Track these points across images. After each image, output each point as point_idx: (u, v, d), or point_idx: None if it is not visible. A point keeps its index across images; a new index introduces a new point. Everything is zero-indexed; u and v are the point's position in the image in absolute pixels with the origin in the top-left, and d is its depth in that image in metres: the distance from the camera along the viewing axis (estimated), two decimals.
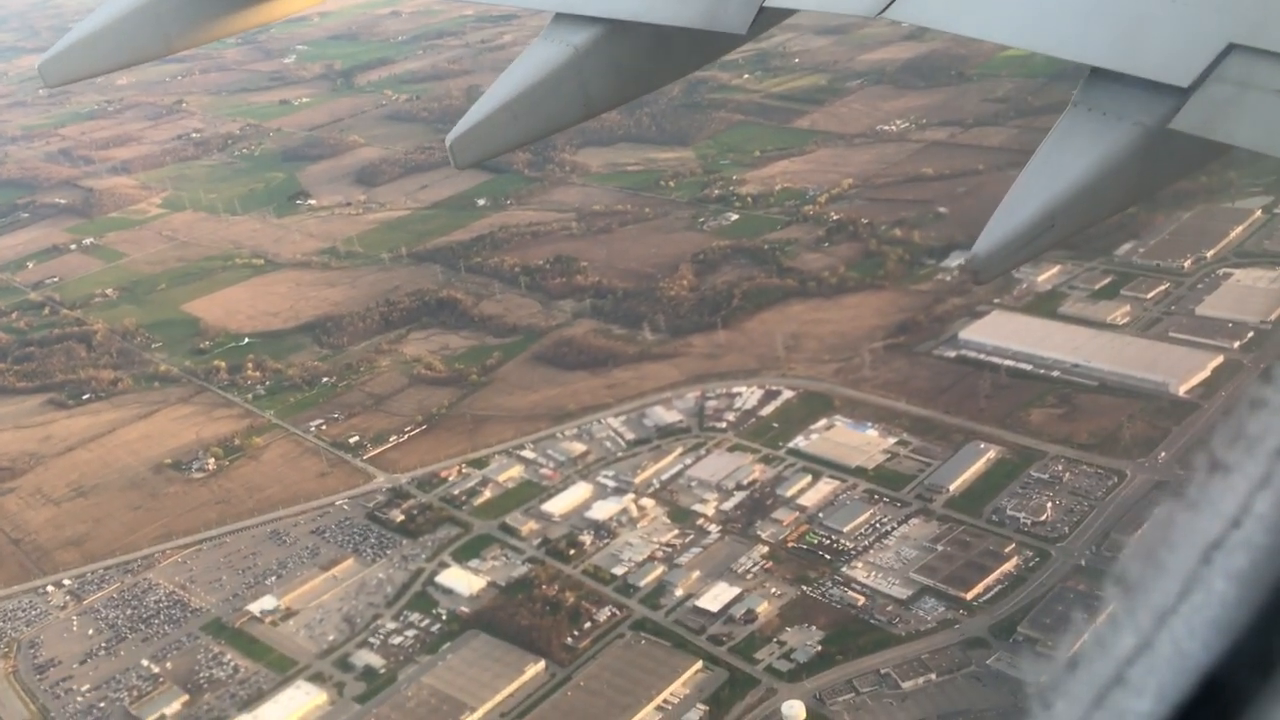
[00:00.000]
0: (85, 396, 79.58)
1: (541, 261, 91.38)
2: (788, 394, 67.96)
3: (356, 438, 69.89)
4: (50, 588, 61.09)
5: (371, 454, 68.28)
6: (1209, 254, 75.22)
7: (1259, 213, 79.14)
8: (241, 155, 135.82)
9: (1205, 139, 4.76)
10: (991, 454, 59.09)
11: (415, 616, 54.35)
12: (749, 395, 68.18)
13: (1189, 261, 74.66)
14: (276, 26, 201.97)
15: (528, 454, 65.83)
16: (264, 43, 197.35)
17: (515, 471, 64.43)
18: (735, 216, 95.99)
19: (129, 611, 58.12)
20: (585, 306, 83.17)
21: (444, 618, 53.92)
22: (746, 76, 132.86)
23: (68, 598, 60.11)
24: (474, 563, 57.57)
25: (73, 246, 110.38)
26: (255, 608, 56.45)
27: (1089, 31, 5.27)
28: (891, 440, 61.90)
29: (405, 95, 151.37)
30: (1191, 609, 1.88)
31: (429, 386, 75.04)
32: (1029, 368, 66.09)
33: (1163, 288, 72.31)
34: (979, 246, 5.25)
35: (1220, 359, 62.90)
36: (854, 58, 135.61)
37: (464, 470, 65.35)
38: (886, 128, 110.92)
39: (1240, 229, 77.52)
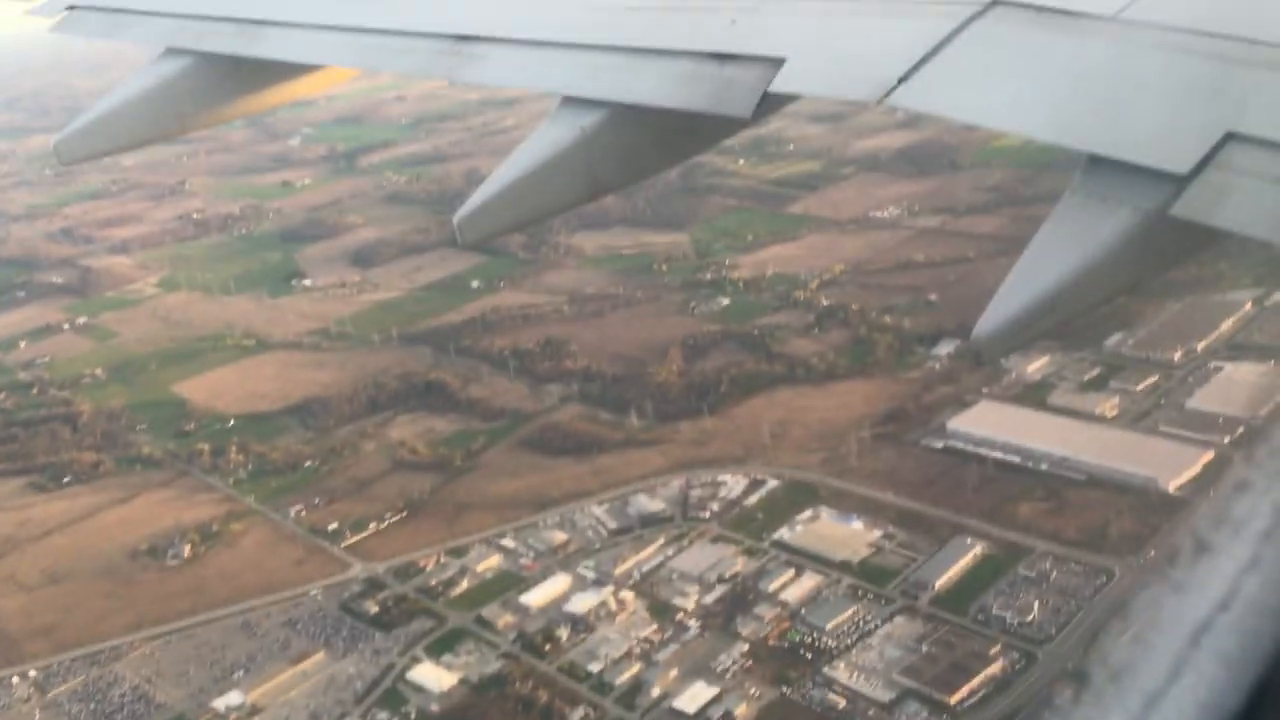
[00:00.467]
0: (66, 480, 78.74)
1: (531, 344, 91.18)
2: (773, 483, 67.02)
3: (336, 524, 68.84)
4: (16, 678, 59.54)
5: (350, 541, 67.17)
6: (1199, 346, 74.80)
7: (1249, 305, 78.93)
8: (240, 236, 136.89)
9: (1205, 225, 4.84)
10: (978, 549, 57.92)
11: (383, 715, 52.76)
12: (734, 484, 67.24)
13: (1179, 354, 74.20)
14: (284, 110, 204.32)
15: (508, 543, 64.70)
16: (270, 125, 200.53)
17: (494, 561, 63.26)
18: (727, 301, 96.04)
19: (92, 706, 56.55)
20: (573, 391, 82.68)
21: (412, 716, 52.34)
22: (742, 162, 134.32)
23: (32, 690, 58.57)
24: (447, 658, 56.11)
25: (66, 326, 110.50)
26: (221, 704, 54.90)
27: (1087, 118, 5.38)
28: (877, 533, 60.78)
29: (405, 177, 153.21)
30: (1181, 692, 1.87)
31: (412, 471, 74.17)
32: (1017, 460, 65.20)
33: (1152, 380, 71.75)
34: (980, 328, 5.18)
35: (1211, 454, 62.01)
36: (848, 144, 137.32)
37: (442, 559, 64.17)
38: (879, 214, 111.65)
39: (1231, 321, 77.22)
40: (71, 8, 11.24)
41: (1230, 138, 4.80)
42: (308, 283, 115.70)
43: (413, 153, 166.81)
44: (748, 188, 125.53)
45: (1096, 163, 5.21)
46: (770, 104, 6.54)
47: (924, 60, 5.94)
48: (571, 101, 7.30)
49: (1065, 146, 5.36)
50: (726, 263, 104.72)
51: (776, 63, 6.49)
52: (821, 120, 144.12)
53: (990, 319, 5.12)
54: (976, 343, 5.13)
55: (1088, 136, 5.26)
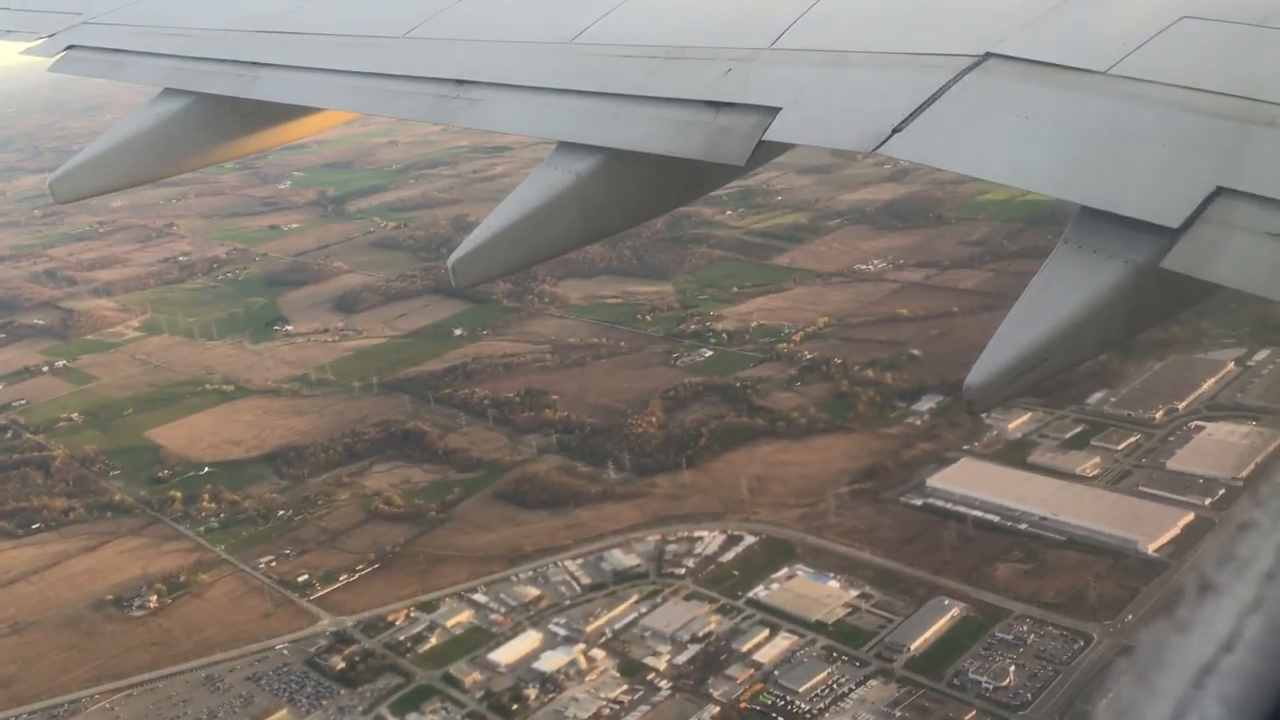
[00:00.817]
0: (35, 526, 77.49)
1: (512, 394, 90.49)
2: (750, 539, 66.14)
3: (306, 575, 67.68)
4: None
5: (320, 593, 65.97)
6: (1181, 406, 74.43)
7: (1231, 365, 78.75)
8: (225, 280, 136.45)
9: (1196, 279, 4.88)
10: (955, 611, 57.01)
11: None
12: (710, 540, 66.34)
13: (1160, 413, 73.81)
14: (275, 153, 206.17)
15: (479, 598, 63.57)
16: (261, 169, 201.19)
17: (464, 616, 62.09)
18: (709, 353, 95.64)
19: None
20: (551, 442, 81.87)
21: None
22: (729, 213, 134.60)
23: None
24: (412, 717, 54.80)
25: (45, 369, 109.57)
26: None
27: (1079, 171, 5.41)
28: (853, 593, 59.84)
29: (394, 222, 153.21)
30: None
31: (386, 523, 73.13)
32: (996, 519, 64.48)
33: (1133, 439, 71.27)
34: (973, 377, 5.19)
35: (1191, 516, 61.41)
36: (835, 197, 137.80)
37: (412, 614, 63.00)
38: (864, 267, 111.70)
39: (1212, 381, 76.97)
40: (70, 47, 11.24)
41: (1221, 192, 4.87)
42: (290, 328, 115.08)
43: (402, 198, 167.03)
44: (734, 239, 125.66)
45: (1088, 214, 5.27)
46: (765, 152, 6.61)
47: (918, 111, 5.98)
48: (567, 147, 7.37)
49: (1057, 198, 5.40)
50: (710, 313, 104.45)
51: (771, 111, 6.55)
52: (810, 172, 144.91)
53: (982, 369, 5.14)
54: (968, 393, 5.16)
55: (1080, 189, 5.30)
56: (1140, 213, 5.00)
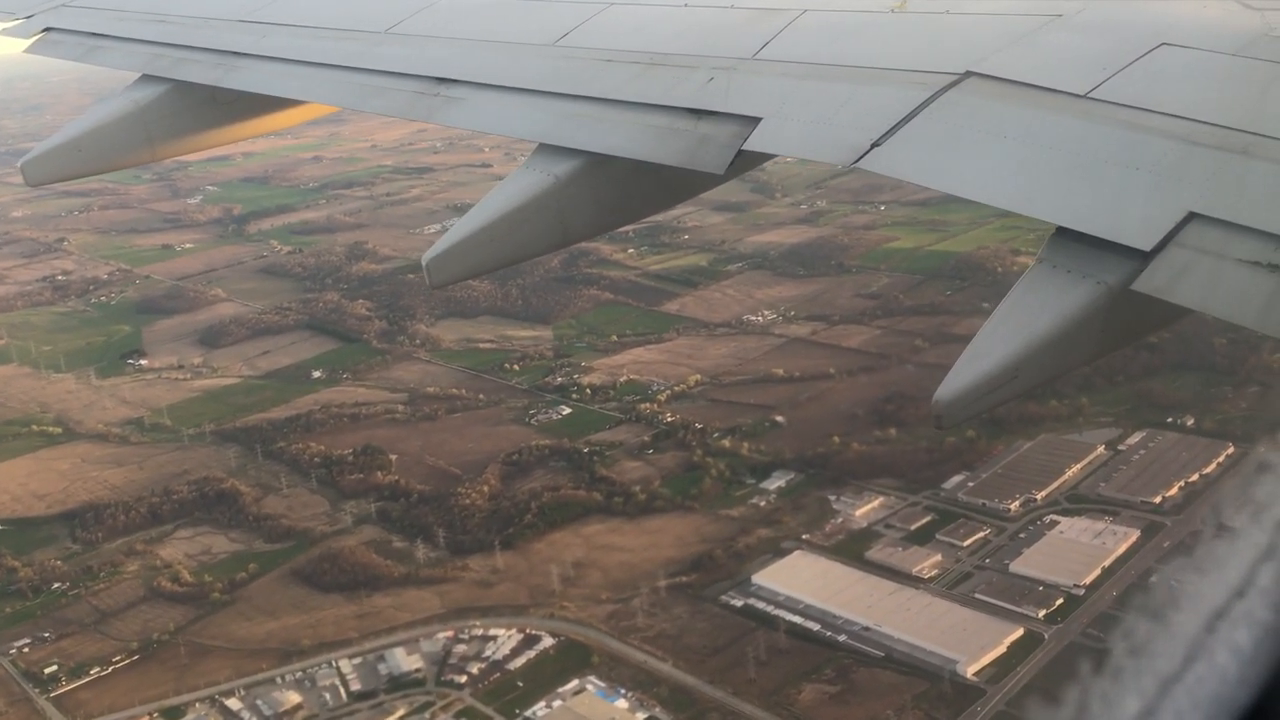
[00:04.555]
0: None
1: (348, 451, 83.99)
2: (548, 641, 59.87)
3: (56, 666, 60.83)
4: None
5: (63, 689, 59.12)
6: (1039, 496, 68.90)
7: (1102, 449, 73.48)
8: (97, 304, 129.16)
9: (1166, 301, 4.87)
10: None
11: None
12: (505, 640, 60.03)
13: (1016, 503, 68.24)
14: (194, 165, 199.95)
15: (233, 703, 56.96)
16: (177, 180, 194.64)
17: None
18: (568, 410, 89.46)
19: None
20: (371, 512, 75.38)
21: None
22: (631, 251, 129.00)
23: None
24: None
25: None
26: None
27: (1054, 191, 5.43)
28: (641, 716, 53.65)
29: (290, 247, 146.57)
30: (1195, 680, 1.87)
31: (165, 603, 66.37)
32: (816, 628, 58.54)
33: (982, 534, 65.58)
34: (942, 392, 5.08)
35: (1020, 632, 55.82)
36: (743, 238, 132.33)
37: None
38: (753, 318, 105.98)
39: (1078, 467, 71.60)
40: (48, 29, 11.26)
41: (1193, 217, 4.96)
42: (144, 362, 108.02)
43: (306, 220, 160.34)
44: (627, 280, 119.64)
45: (1062, 235, 5.33)
46: (744, 162, 6.63)
47: (897, 127, 6.05)
48: (546, 149, 7.38)
49: (1032, 216, 5.48)
50: (582, 364, 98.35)
51: (752, 121, 6.59)
52: (725, 210, 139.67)
53: (951, 385, 5.10)
54: (936, 408, 5.10)
55: (1054, 209, 5.38)
56: (1113, 234, 5.07)
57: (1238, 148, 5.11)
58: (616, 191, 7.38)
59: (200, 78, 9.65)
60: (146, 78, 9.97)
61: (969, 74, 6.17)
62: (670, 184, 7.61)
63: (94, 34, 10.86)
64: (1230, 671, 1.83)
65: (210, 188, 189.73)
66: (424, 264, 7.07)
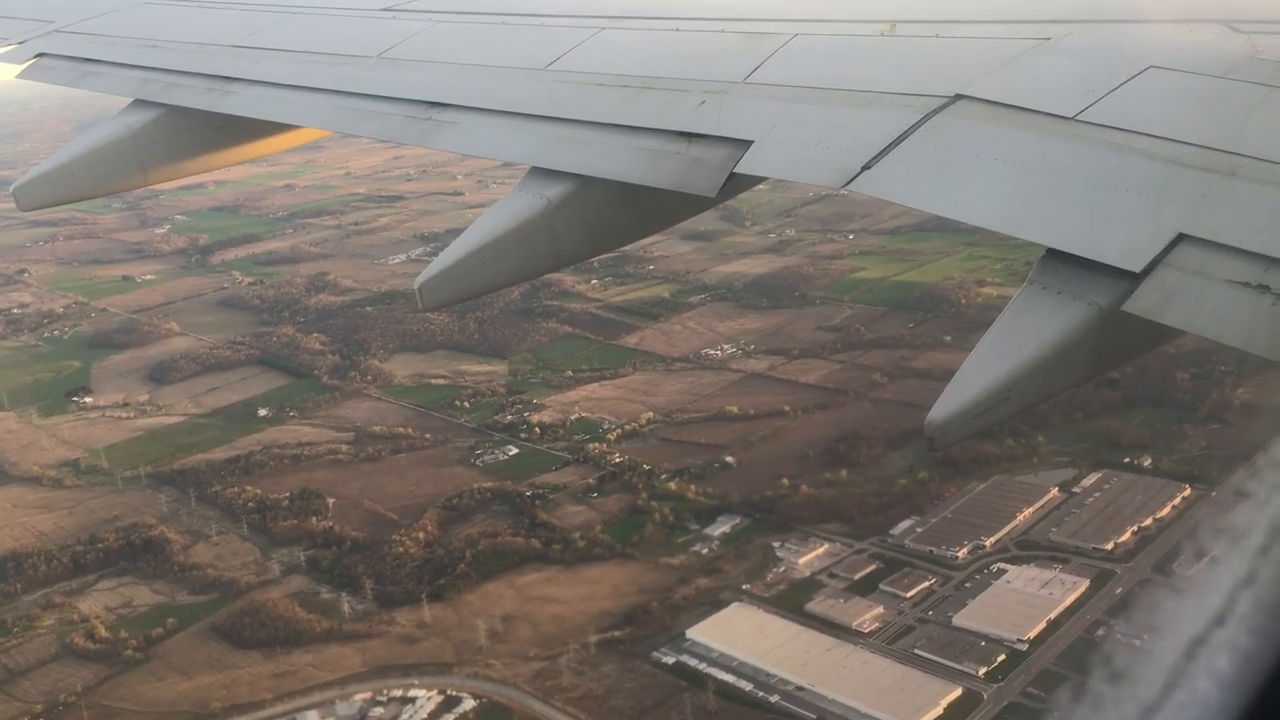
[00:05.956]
0: None
1: (285, 495, 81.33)
2: (469, 703, 57.16)
3: None
4: None
5: None
6: (989, 542, 66.47)
7: (1055, 490, 71.13)
8: (49, 338, 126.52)
9: (1156, 322, 4.84)
10: None
11: None
12: (424, 702, 57.33)
13: (964, 550, 65.80)
14: (165, 193, 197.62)
15: None
16: (148, 209, 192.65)
17: None
18: (515, 451, 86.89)
19: None
20: (301, 561, 72.66)
21: None
22: (594, 282, 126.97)
23: None
24: None
25: None
26: None
27: (1044, 213, 5.40)
28: None
29: (251, 278, 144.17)
30: (1174, 706, 1.81)
31: (76, 661, 63.54)
32: (748, 687, 55.92)
33: (927, 584, 63.05)
34: (935, 413, 5.02)
35: (958, 692, 53.20)
36: (708, 269, 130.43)
37: None
38: (712, 352, 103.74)
39: (1030, 510, 69.21)
40: (41, 55, 11.30)
41: (1182, 239, 4.94)
42: (89, 400, 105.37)
43: (271, 250, 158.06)
44: (588, 313, 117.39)
45: (1052, 256, 5.28)
46: (736, 185, 6.61)
47: (887, 149, 6.04)
48: (538, 172, 7.36)
49: (1022, 238, 5.41)
50: (534, 402, 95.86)
51: (744, 144, 6.59)
52: (692, 239, 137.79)
53: (944, 407, 5.04)
54: (929, 429, 5.02)
55: (1045, 231, 5.33)
56: (1103, 256, 5.04)
57: (1226, 169, 5.16)
58: (608, 214, 7.39)
59: (193, 102, 9.68)
60: (139, 103, 10.01)
61: (959, 97, 6.24)
62: (662, 207, 7.58)
63: (86, 59, 10.95)
64: (1212, 698, 1.78)
65: (179, 217, 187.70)
66: (416, 287, 7.01)
